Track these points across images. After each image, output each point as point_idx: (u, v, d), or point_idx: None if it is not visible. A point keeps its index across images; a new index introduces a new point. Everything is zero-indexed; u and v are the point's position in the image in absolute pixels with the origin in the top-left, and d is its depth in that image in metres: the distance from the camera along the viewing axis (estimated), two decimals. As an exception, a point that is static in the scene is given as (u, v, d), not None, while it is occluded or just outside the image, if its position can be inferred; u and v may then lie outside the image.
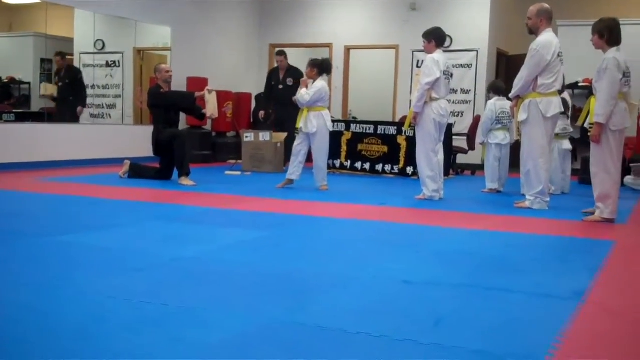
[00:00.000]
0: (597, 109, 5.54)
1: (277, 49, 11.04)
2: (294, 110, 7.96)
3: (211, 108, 7.97)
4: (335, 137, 9.81)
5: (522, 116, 6.16)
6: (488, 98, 8.10)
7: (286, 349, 2.38)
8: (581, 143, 8.59)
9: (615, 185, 5.65)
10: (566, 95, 7.85)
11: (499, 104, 7.79)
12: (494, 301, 3.08)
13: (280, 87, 10.36)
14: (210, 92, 7.93)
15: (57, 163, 9.26)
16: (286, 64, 10.42)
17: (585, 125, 6.04)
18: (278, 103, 10.25)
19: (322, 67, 7.44)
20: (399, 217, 5.85)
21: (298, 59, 12.35)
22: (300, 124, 7.43)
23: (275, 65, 10.71)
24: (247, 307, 2.88)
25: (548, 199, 6.28)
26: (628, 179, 8.74)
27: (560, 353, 2.38)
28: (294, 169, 7.50)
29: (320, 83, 7.36)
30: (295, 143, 7.55)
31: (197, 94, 7.91)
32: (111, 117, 10.95)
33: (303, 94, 7.28)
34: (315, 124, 7.32)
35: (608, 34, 5.59)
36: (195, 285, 3.23)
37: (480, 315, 2.85)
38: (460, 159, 10.75)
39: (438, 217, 5.85)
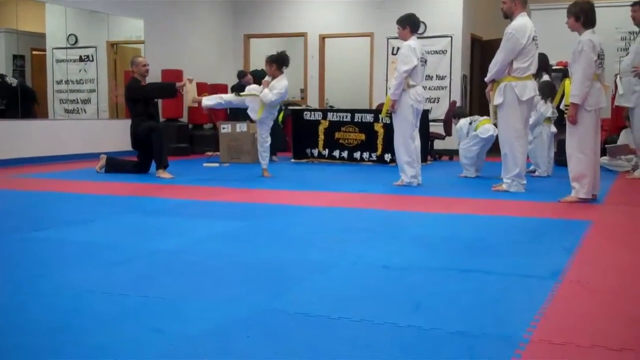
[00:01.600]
0: (572, 90, 5.59)
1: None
2: None
3: (191, 97, 7.93)
4: (312, 126, 9.82)
5: (497, 100, 6.20)
6: (455, 123, 8.31)
7: (268, 337, 2.38)
8: (557, 125, 8.66)
9: (591, 165, 5.68)
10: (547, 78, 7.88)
11: (467, 120, 7.91)
12: (472, 283, 3.11)
13: None
14: (190, 81, 7.87)
15: (32, 159, 9.16)
16: None
17: (561, 107, 6.08)
18: None
19: (280, 61, 7.44)
20: (378, 204, 5.87)
21: (272, 50, 12.30)
22: (261, 115, 7.53)
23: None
24: (228, 296, 2.88)
25: (524, 182, 6.34)
26: (603, 159, 8.82)
27: (538, 332, 2.41)
28: (267, 159, 7.75)
29: (284, 83, 7.40)
30: (264, 136, 7.62)
31: (177, 84, 7.86)
32: (86, 112, 10.84)
33: (267, 94, 7.33)
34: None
35: (583, 16, 5.62)
36: (175, 277, 3.22)
37: (458, 297, 2.88)
38: (438, 144, 10.79)
39: (416, 203, 5.88)
